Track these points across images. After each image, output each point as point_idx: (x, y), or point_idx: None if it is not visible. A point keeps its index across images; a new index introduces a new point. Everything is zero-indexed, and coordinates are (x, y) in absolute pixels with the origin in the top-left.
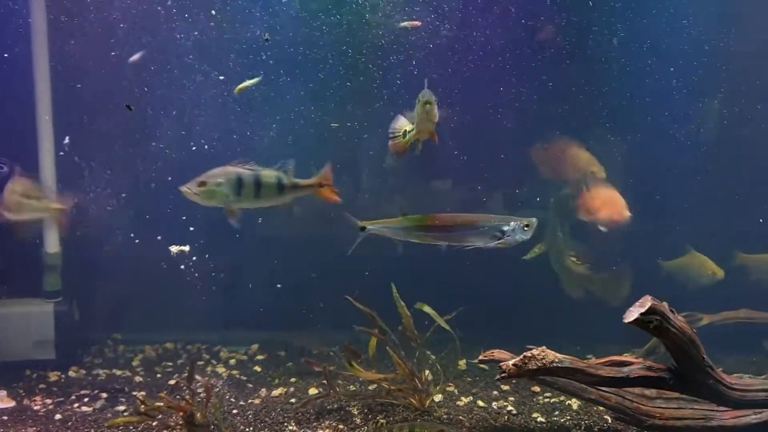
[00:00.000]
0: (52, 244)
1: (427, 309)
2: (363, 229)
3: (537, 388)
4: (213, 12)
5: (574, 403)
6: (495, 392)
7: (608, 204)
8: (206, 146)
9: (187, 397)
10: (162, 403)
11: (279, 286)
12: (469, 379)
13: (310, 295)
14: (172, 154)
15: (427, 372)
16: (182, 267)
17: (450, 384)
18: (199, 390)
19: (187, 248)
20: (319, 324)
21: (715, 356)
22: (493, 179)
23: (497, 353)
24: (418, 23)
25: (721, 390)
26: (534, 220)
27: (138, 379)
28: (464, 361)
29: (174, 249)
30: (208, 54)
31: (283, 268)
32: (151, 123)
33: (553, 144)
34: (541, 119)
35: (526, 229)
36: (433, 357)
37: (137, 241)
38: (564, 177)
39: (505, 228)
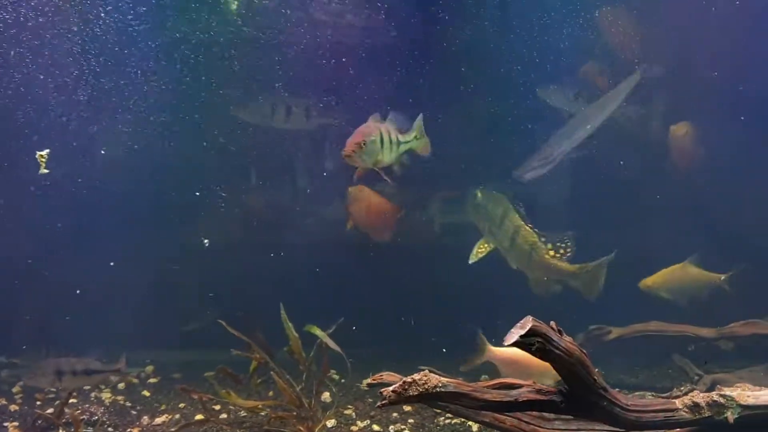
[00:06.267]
0: None
1: (316, 332)
2: None
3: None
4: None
5: (474, 425)
6: (395, 414)
7: None
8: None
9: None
10: None
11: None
12: (371, 400)
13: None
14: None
15: (327, 394)
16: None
17: (349, 406)
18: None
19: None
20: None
21: (634, 369)
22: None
23: (387, 376)
24: None
25: (616, 412)
26: None
27: (14, 407)
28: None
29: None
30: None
31: (184, 283)
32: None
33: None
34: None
35: None
36: (336, 378)
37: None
38: None
39: None
